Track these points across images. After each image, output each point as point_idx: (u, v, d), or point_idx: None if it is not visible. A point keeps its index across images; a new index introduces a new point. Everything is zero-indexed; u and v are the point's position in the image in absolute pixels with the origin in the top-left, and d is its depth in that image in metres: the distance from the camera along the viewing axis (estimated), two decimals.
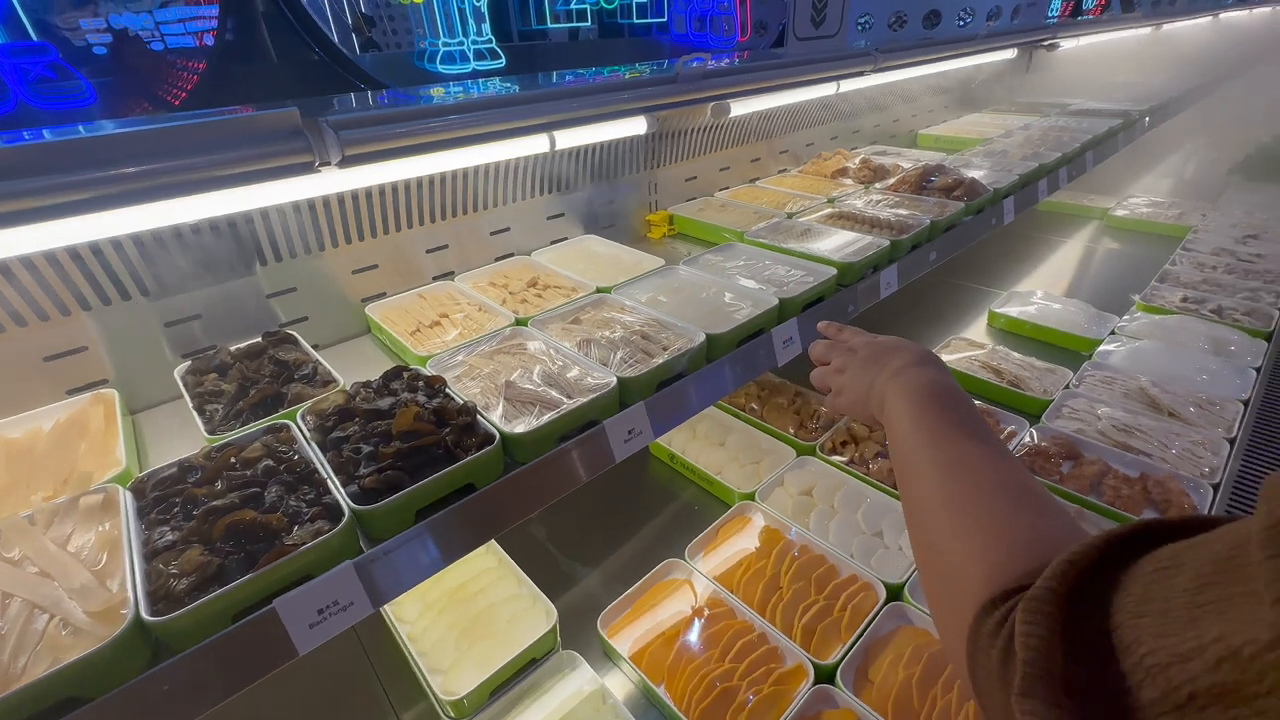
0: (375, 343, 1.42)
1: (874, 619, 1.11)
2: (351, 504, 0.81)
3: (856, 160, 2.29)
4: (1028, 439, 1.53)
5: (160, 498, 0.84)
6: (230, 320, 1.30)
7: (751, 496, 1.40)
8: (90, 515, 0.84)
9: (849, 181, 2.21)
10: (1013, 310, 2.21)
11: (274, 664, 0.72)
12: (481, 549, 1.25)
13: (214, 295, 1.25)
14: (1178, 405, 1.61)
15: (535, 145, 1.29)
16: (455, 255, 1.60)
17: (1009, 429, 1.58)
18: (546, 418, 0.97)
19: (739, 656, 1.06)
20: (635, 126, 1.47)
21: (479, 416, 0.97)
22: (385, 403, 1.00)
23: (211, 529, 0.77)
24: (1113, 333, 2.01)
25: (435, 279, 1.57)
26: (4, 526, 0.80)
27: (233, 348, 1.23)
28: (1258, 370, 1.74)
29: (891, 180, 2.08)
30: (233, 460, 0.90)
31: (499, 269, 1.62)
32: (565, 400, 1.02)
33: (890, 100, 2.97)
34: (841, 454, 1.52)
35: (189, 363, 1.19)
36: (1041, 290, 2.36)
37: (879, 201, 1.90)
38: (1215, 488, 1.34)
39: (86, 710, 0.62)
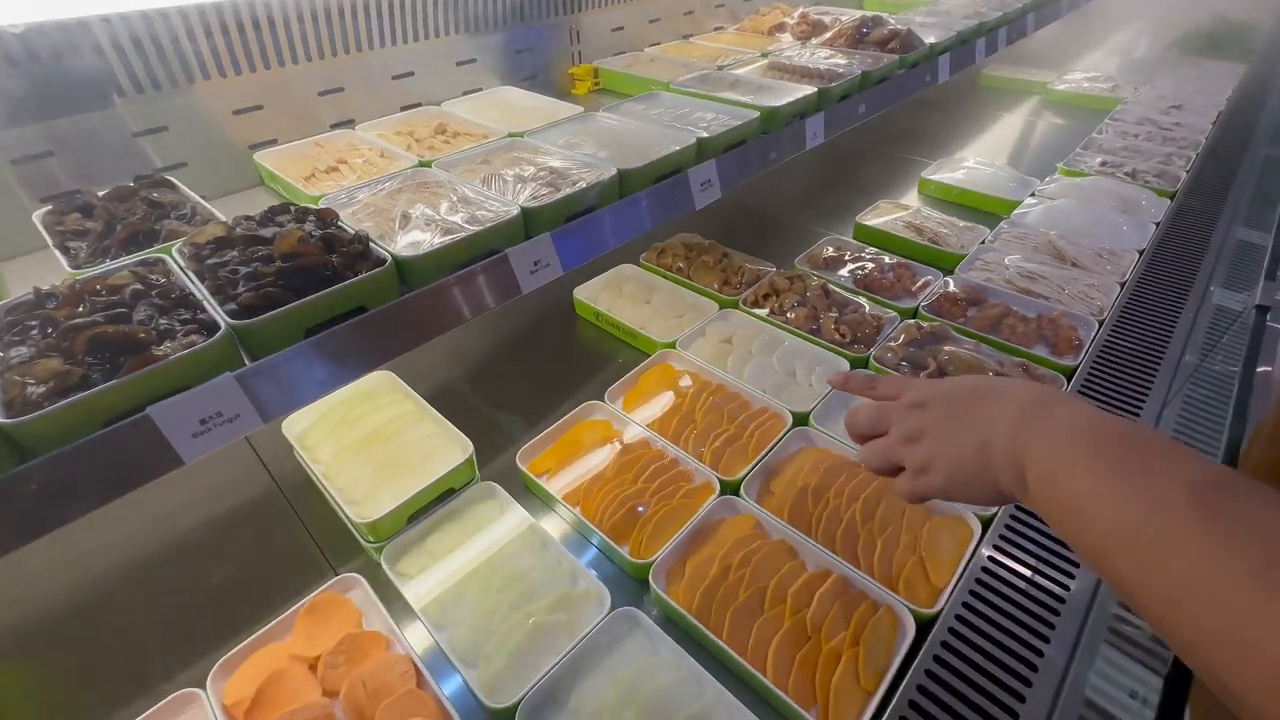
0: (269, 194, 1.32)
1: (779, 441, 1.17)
2: (228, 319, 0.77)
3: (795, 15, 2.17)
4: (940, 287, 1.58)
5: (14, 322, 0.78)
6: (93, 162, 1.17)
7: (673, 345, 1.42)
8: None
9: (786, 37, 2.10)
10: (942, 176, 2.22)
11: (158, 470, 0.71)
12: (399, 395, 1.25)
13: (67, 129, 1.12)
14: (1080, 255, 1.68)
15: None
16: (354, 101, 1.47)
17: (924, 279, 1.64)
18: (441, 241, 0.93)
19: (650, 479, 1.12)
20: None
21: (372, 244, 0.92)
22: (268, 232, 0.94)
23: (73, 344, 0.73)
24: (1033, 194, 2.06)
25: (334, 127, 1.45)
26: None
27: (100, 193, 1.12)
28: (1157, 225, 1.82)
29: (828, 34, 1.99)
30: (98, 288, 0.84)
31: (405, 118, 1.50)
32: (467, 229, 0.98)
33: None
34: (763, 306, 1.54)
35: (48, 207, 1.08)
36: (973, 158, 2.37)
37: (813, 55, 1.82)
38: (1100, 323, 1.43)
39: None
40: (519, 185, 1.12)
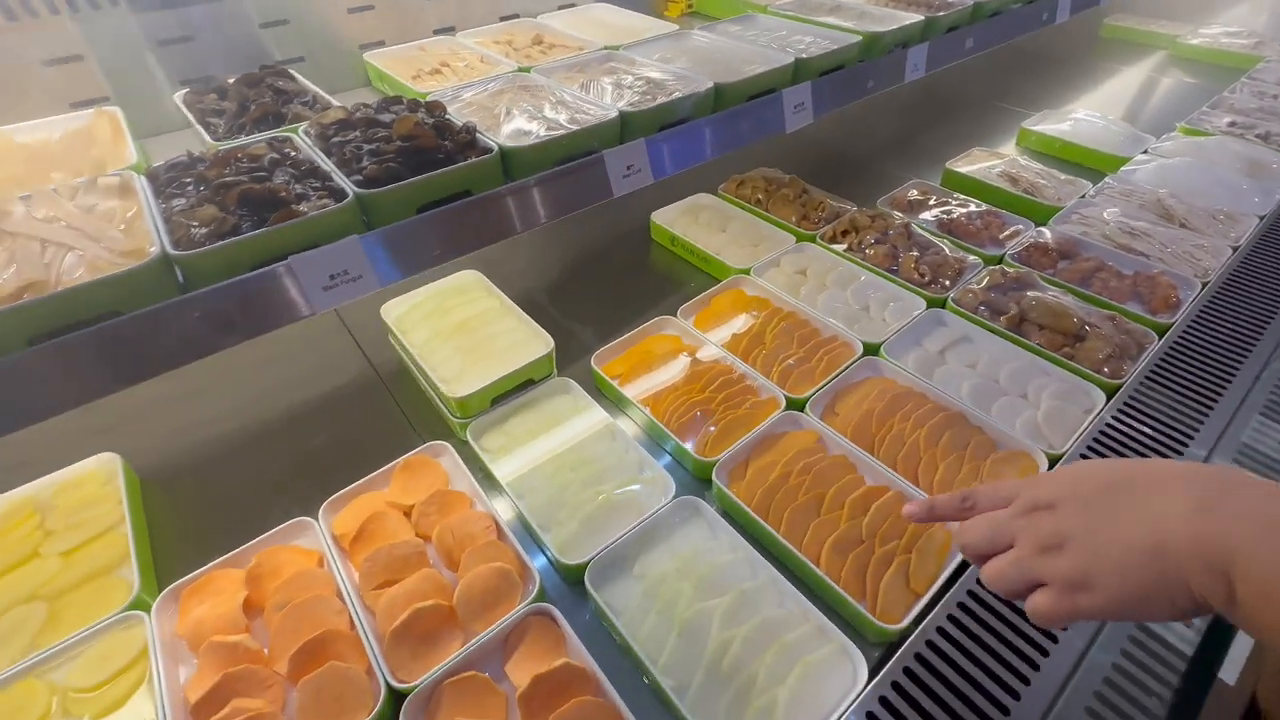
0: (375, 94, 1.38)
1: (848, 367, 1.19)
2: (354, 188, 0.84)
3: None
4: (1031, 236, 1.52)
5: (174, 178, 0.88)
6: (223, 50, 1.26)
7: (746, 272, 1.44)
8: (109, 194, 0.89)
9: None
10: (1045, 127, 2.08)
11: (293, 316, 0.79)
12: (484, 292, 1.32)
13: (201, 15, 1.20)
14: (1190, 216, 1.57)
15: None
16: (456, 9, 1.50)
17: (1013, 228, 1.57)
18: (544, 135, 0.97)
19: (718, 389, 1.16)
20: None
21: (479, 134, 0.97)
22: (386, 117, 1.00)
23: (225, 198, 0.81)
24: (1145, 151, 1.91)
25: (435, 33, 1.49)
26: (33, 194, 0.85)
27: (231, 79, 1.20)
28: None
29: None
30: (240, 156, 0.93)
31: (503, 28, 1.52)
32: (567, 127, 1.02)
33: None
34: (841, 242, 1.53)
35: (187, 89, 1.18)
36: (1082, 110, 2.21)
37: None
38: (1204, 284, 1.36)
39: (120, 328, 0.69)
40: (617, 92, 1.14)
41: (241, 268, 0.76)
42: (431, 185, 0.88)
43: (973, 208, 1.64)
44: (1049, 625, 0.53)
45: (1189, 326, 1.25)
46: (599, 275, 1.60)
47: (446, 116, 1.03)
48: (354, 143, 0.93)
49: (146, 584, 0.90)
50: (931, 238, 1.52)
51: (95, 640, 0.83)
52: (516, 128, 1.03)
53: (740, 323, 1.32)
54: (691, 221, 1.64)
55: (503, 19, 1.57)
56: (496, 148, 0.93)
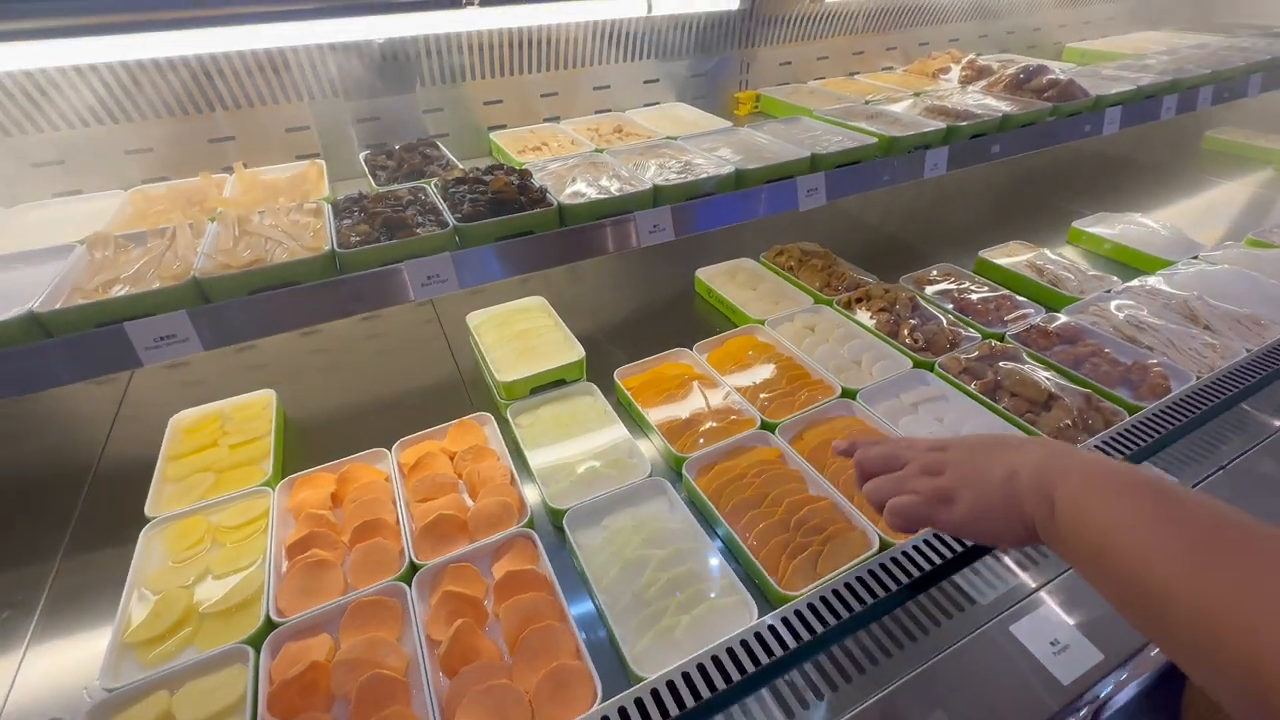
0: (493, 162, 1.86)
1: (823, 405, 1.40)
2: (454, 221, 1.24)
3: (963, 61, 2.29)
4: (1037, 320, 1.65)
5: (347, 207, 1.34)
6: (398, 126, 1.78)
7: (761, 322, 1.70)
8: (308, 214, 1.36)
9: (948, 80, 2.23)
10: (1097, 229, 2.17)
11: (400, 300, 1.18)
12: (544, 314, 1.69)
13: (387, 104, 1.74)
14: (1215, 319, 1.62)
15: (632, 6, 1.59)
16: (562, 102, 1.97)
17: (1023, 311, 1.70)
18: (592, 197, 1.33)
19: (708, 408, 1.41)
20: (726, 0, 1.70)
21: (548, 194, 1.36)
22: (488, 177, 1.42)
23: (373, 222, 1.24)
24: (1195, 257, 1.95)
25: (545, 120, 1.96)
26: (266, 210, 1.34)
27: (397, 146, 1.72)
28: None
29: (988, 80, 2.10)
30: (389, 196, 1.38)
31: (594, 120, 1.97)
32: (613, 194, 1.38)
33: (1041, 3, 2.79)
34: (853, 309, 1.74)
35: (369, 150, 1.69)
36: (1145, 216, 2.27)
37: (965, 97, 1.96)
38: (1198, 376, 1.41)
39: (299, 290, 1.11)
40: (661, 171, 1.50)
41: (376, 264, 1.16)
42: (506, 225, 1.26)
43: (987, 291, 1.79)
44: (905, 524, 0.68)
45: (1162, 411, 1.33)
46: (644, 316, 1.93)
47: (531, 180, 1.43)
48: (462, 193, 1.35)
49: (275, 474, 1.30)
50: (935, 311, 1.69)
51: (238, 501, 1.23)
52: (576, 190, 1.41)
53: (744, 360, 1.58)
54: (729, 279, 1.94)
55: (597, 112, 2.01)
56: (556, 203, 1.31)
